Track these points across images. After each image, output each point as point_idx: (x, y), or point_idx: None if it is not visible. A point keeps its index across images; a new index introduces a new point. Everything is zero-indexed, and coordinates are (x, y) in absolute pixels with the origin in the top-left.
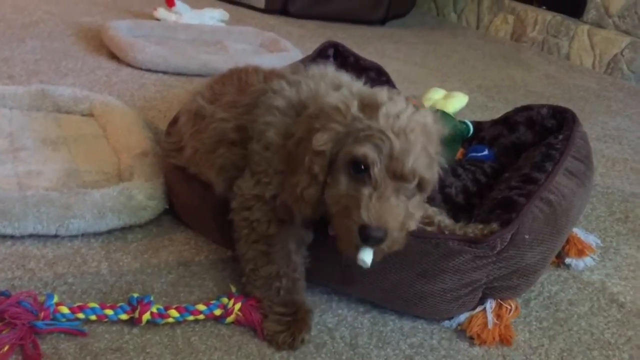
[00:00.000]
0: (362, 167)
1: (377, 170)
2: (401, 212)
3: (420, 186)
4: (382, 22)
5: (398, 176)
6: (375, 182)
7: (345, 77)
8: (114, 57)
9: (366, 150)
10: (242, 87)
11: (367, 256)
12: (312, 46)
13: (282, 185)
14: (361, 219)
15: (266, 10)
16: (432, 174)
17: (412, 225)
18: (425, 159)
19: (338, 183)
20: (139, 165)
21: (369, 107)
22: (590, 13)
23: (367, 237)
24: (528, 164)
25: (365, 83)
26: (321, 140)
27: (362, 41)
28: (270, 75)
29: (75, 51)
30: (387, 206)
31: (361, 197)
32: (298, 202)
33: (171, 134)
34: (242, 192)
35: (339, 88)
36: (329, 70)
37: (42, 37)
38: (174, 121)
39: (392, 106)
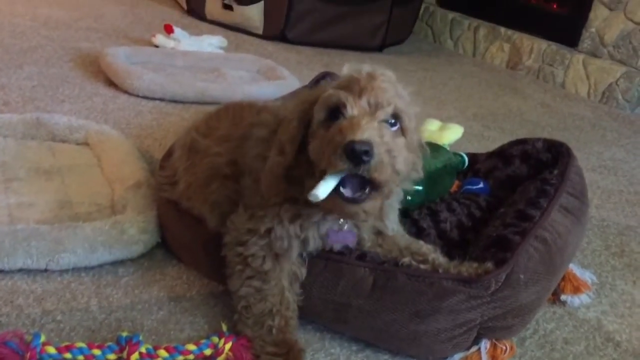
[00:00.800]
0: (338, 112)
1: (350, 106)
2: (385, 134)
3: (399, 119)
4: (379, 49)
5: (372, 105)
6: (352, 115)
7: None
8: (111, 83)
9: (336, 94)
10: (236, 121)
11: (321, 190)
12: (310, 73)
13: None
14: (345, 138)
15: (264, 37)
16: (406, 106)
17: (400, 163)
18: (394, 90)
19: (318, 136)
20: (132, 197)
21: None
22: (586, 42)
23: (352, 151)
24: (523, 199)
25: None
26: (288, 111)
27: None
28: (264, 109)
29: (72, 77)
30: (369, 125)
31: (342, 127)
32: (267, 179)
33: (165, 168)
34: (235, 226)
35: None
36: None
37: (40, 63)
38: (168, 154)
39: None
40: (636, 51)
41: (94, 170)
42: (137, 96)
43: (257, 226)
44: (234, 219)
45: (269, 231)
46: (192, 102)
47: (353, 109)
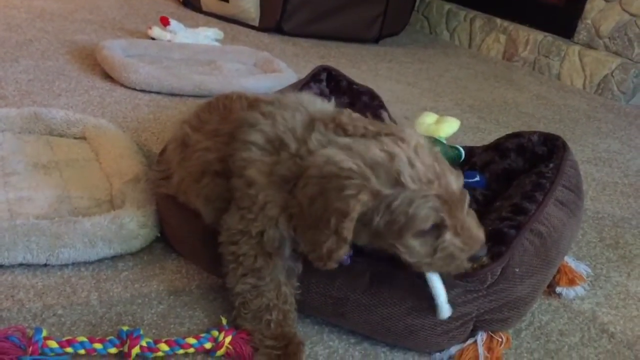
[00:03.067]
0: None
1: (445, 219)
2: (476, 220)
3: None
4: (375, 40)
5: (456, 202)
6: (449, 226)
7: (318, 105)
8: (108, 76)
9: (429, 219)
10: (225, 114)
11: (445, 308)
12: (306, 65)
13: (299, 236)
14: (466, 257)
15: (260, 29)
16: (458, 175)
17: None
18: (453, 172)
19: (414, 248)
20: (131, 191)
21: (385, 172)
22: (581, 34)
23: (476, 260)
24: (518, 193)
25: (355, 106)
26: (353, 211)
27: (356, 60)
28: (254, 102)
29: (69, 70)
30: (471, 228)
31: (450, 242)
32: (323, 260)
33: (160, 162)
34: (227, 226)
35: (312, 124)
36: (304, 97)
37: (36, 56)
38: (164, 149)
39: (402, 164)
40: (632, 42)
41: (92, 164)
42: (134, 89)
43: (248, 228)
44: (226, 218)
45: (261, 234)
46: (189, 95)
47: (448, 221)
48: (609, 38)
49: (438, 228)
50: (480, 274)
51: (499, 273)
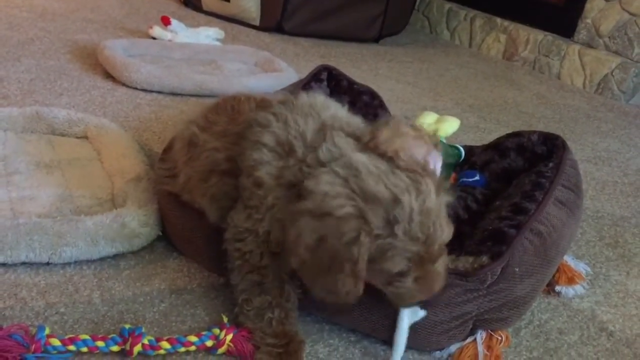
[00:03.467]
0: None
1: (411, 270)
2: (442, 272)
3: None
4: (376, 40)
5: (431, 257)
6: (413, 276)
7: (333, 110)
8: (109, 76)
9: (398, 266)
10: (233, 115)
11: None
12: (307, 65)
13: (310, 284)
14: (415, 301)
15: (261, 28)
16: (450, 229)
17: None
18: (445, 228)
19: (378, 275)
20: (133, 190)
21: (383, 212)
22: (581, 33)
23: (426, 305)
24: (518, 192)
25: (355, 105)
26: (362, 255)
27: (357, 59)
28: (261, 103)
29: (70, 70)
30: (430, 282)
31: (406, 286)
32: (342, 299)
33: (165, 160)
34: (234, 223)
35: (323, 130)
36: (318, 101)
37: (38, 56)
38: (169, 147)
39: (402, 214)
40: (632, 42)
41: (93, 163)
42: (135, 89)
43: (255, 227)
44: (233, 215)
45: (267, 233)
46: (190, 95)
47: (413, 274)
48: (609, 37)
49: (402, 273)
50: (480, 273)
51: (499, 273)
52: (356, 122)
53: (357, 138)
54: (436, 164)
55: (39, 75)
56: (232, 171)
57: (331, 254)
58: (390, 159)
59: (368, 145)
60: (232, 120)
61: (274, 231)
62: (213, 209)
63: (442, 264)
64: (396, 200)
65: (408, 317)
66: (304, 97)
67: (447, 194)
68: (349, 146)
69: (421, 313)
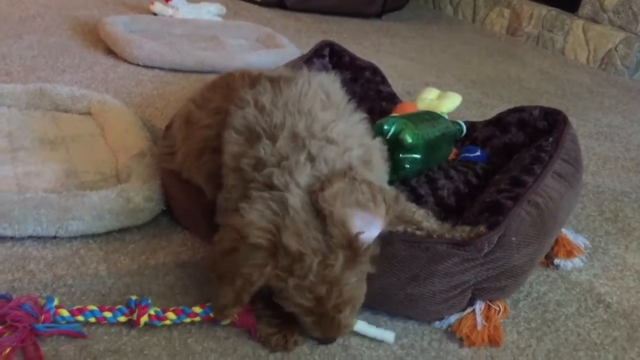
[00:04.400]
0: None
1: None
2: (344, 323)
3: None
4: (378, 15)
5: (327, 313)
6: (315, 318)
7: (316, 111)
8: (111, 52)
9: (290, 308)
10: (227, 93)
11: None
12: (308, 41)
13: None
14: (315, 335)
15: (263, 4)
16: (356, 296)
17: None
18: (346, 295)
19: (283, 302)
20: (137, 166)
21: (289, 265)
22: (586, 8)
23: (322, 343)
24: (517, 166)
25: (357, 82)
26: (258, 282)
27: (359, 35)
28: (256, 80)
29: (72, 46)
30: (330, 328)
31: (308, 323)
32: (216, 311)
33: (166, 138)
34: (217, 206)
35: (292, 141)
36: (310, 93)
37: (39, 32)
38: (170, 125)
39: (300, 270)
40: (636, 17)
41: (97, 139)
42: (137, 65)
43: (227, 206)
44: (217, 198)
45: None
46: (192, 71)
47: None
48: (613, 12)
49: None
50: (477, 242)
51: (495, 242)
52: (337, 127)
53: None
54: (372, 234)
55: (41, 52)
56: (220, 148)
57: (234, 266)
58: (323, 218)
59: (314, 193)
60: (226, 98)
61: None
62: (209, 186)
63: (344, 317)
64: (300, 257)
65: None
66: (297, 85)
67: (366, 265)
68: (300, 181)
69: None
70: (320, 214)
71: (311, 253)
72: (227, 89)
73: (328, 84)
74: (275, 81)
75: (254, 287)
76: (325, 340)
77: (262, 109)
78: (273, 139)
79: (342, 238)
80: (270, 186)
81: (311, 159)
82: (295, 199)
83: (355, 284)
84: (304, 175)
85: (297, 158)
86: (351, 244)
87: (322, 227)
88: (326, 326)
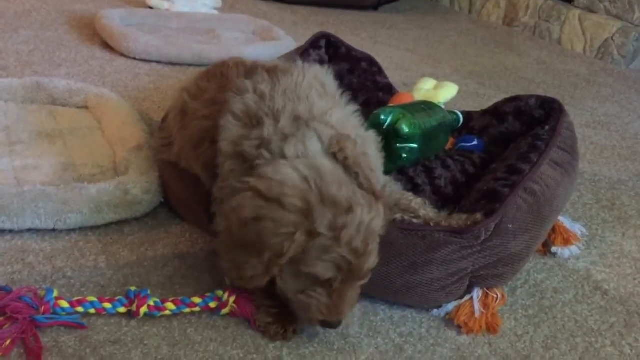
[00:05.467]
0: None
1: (336, 283)
2: (355, 299)
3: None
4: (375, 7)
5: (355, 276)
6: (333, 289)
7: (314, 98)
8: (107, 46)
9: (328, 272)
10: (222, 83)
11: None
12: (305, 33)
13: (220, 252)
14: (321, 317)
15: None
16: (376, 259)
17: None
18: (376, 255)
19: (295, 279)
20: (134, 159)
21: (333, 217)
22: None
23: (326, 326)
24: (514, 154)
25: (354, 73)
26: (289, 253)
27: (355, 27)
28: (250, 70)
29: (68, 41)
30: (344, 302)
31: (320, 298)
32: (243, 281)
33: (162, 130)
34: (213, 196)
35: (296, 122)
36: (305, 82)
37: (35, 27)
38: (166, 117)
39: (352, 225)
40: (632, 6)
41: (94, 133)
42: (134, 59)
43: (222, 195)
44: (213, 188)
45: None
46: (189, 65)
47: (336, 285)
48: (610, 2)
49: (322, 283)
50: (475, 229)
51: (492, 229)
52: (335, 115)
53: (339, 150)
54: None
55: (38, 47)
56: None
57: (259, 237)
58: (355, 175)
59: (335, 154)
60: (221, 88)
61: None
62: (207, 176)
63: (357, 290)
64: (350, 210)
65: None
66: (292, 75)
67: (385, 223)
68: (317, 149)
69: None
70: (348, 171)
71: (360, 205)
72: (221, 79)
73: (323, 75)
74: (272, 71)
75: (284, 259)
76: (330, 323)
77: (262, 96)
78: (276, 120)
79: (376, 191)
80: (283, 157)
81: (317, 135)
82: (321, 159)
83: (377, 246)
84: (315, 143)
85: (304, 132)
86: (382, 197)
87: (353, 183)
88: (343, 299)
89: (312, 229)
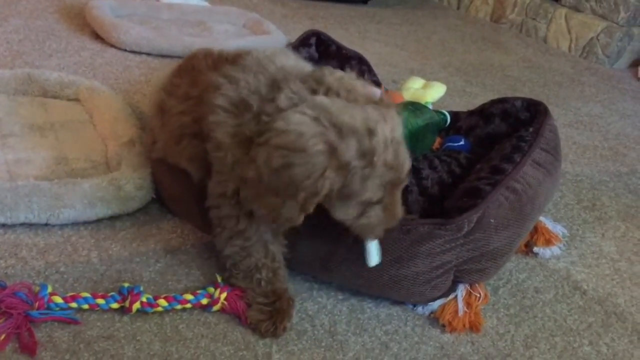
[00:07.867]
0: None
1: (385, 197)
2: (400, 197)
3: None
4: (364, 1)
5: (398, 184)
6: (383, 203)
7: (279, 62)
8: (97, 36)
9: (376, 194)
10: (194, 76)
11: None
12: (295, 26)
13: (253, 199)
14: (384, 229)
15: None
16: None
17: None
18: (407, 156)
19: (349, 210)
20: (127, 154)
21: (358, 143)
22: None
23: (389, 232)
24: (498, 155)
25: (344, 70)
26: (323, 190)
27: (345, 21)
28: (218, 62)
29: (59, 30)
30: (397, 206)
31: (378, 215)
32: (280, 220)
33: (148, 129)
34: (210, 191)
35: (275, 84)
36: (265, 56)
37: (25, 15)
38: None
39: (379, 145)
40: (617, 6)
41: (86, 126)
42: (125, 50)
43: (224, 190)
44: (209, 183)
45: (236, 193)
46: (180, 57)
47: (385, 200)
48: (596, 1)
49: (376, 201)
50: (458, 220)
51: (475, 221)
52: (304, 68)
53: (327, 88)
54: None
55: (28, 36)
56: (200, 134)
57: (290, 181)
58: (348, 97)
59: (319, 90)
60: (193, 82)
61: (242, 189)
62: (194, 169)
63: (400, 193)
64: (371, 131)
65: (377, 253)
66: (251, 55)
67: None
68: (306, 92)
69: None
70: (341, 97)
71: (377, 122)
72: (192, 72)
73: (285, 50)
74: (237, 57)
75: (319, 197)
76: (393, 228)
77: (237, 81)
78: (259, 94)
79: (377, 100)
80: (282, 111)
81: (300, 83)
82: (319, 97)
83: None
84: (302, 89)
85: (287, 85)
86: (385, 102)
87: (355, 103)
88: (395, 206)
89: (341, 163)
